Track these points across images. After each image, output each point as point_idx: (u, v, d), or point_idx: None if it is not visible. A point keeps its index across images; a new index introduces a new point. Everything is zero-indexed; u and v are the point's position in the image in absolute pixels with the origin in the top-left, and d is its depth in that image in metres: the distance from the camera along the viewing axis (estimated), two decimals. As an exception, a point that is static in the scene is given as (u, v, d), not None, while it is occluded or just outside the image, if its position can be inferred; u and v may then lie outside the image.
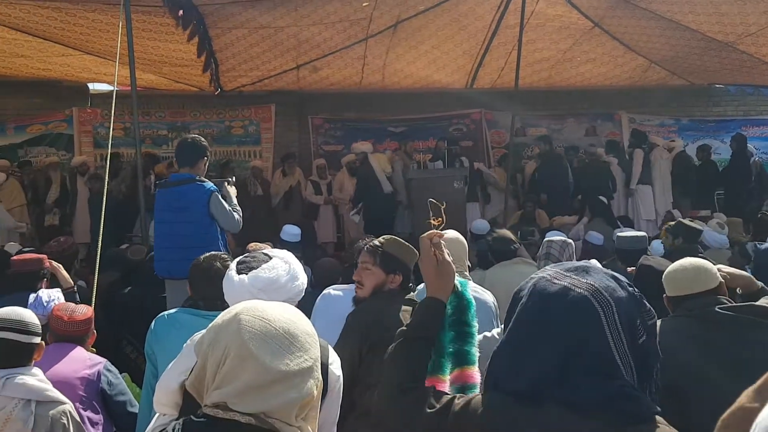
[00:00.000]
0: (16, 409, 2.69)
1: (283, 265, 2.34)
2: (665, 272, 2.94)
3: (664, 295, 2.93)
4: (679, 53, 10.30)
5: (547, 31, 9.66)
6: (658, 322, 2.76)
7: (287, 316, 1.47)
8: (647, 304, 1.47)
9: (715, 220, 8.31)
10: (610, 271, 1.51)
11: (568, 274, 1.47)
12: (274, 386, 1.38)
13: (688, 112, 13.39)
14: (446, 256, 1.83)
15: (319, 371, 1.48)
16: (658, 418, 1.41)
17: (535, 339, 1.44)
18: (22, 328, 2.84)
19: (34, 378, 2.80)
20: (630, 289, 1.46)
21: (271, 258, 2.37)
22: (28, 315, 2.92)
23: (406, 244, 3.21)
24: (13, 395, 2.71)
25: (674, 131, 13.12)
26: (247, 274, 2.31)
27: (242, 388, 1.38)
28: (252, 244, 4.96)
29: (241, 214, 4.97)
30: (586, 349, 1.39)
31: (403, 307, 3.05)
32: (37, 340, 2.90)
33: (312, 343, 1.46)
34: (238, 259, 2.44)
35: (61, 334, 3.52)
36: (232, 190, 5.15)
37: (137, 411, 3.36)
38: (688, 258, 2.99)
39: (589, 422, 1.36)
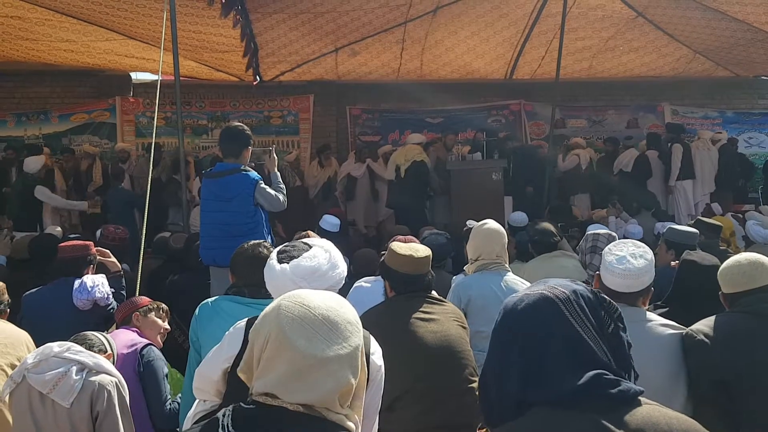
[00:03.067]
0: (71, 371, 2.84)
1: (324, 253, 2.35)
2: (721, 269, 2.89)
3: (720, 292, 2.88)
4: (724, 44, 10.09)
5: (589, 20, 9.53)
6: (713, 319, 2.73)
7: (329, 303, 1.47)
8: (607, 298, 1.53)
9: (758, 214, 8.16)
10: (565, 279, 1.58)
11: (526, 290, 1.56)
12: (311, 373, 1.38)
13: (733, 105, 13.12)
14: None
15: (360, 360, 1.47)
16: (642, 398, 1.43)
17: (507, 350, 1.50)
18: (103, 334, 3.29)
19: (93, 356, 2.98)
20: (589, 288, 1.53)
21: (311, 247, 2.38)
22: (110, 337, 3.36)
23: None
24: (72, 358, 2.88)
25: (718, 124, 12.84)
26: (288, 263, 2.32)
27: (281, 376, 1.39)
28: (306, 233, 5.00)
29: (284, 192, 5.04)
30: (554, 339, 1.44)
31: (422, 309, 3.10)
32: (108, 348, 3.21)
33: (353, 332, 1.46)
34: (278, 248, 2.44)
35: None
36: (274, 161, 5.20)
37: (165, 397, 3.51)
38: (745, 254, 2.92)
39: (574, 414, 1.38)
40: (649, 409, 1.39)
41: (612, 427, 1.35)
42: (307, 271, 2.29)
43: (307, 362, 1.38)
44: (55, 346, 2.90)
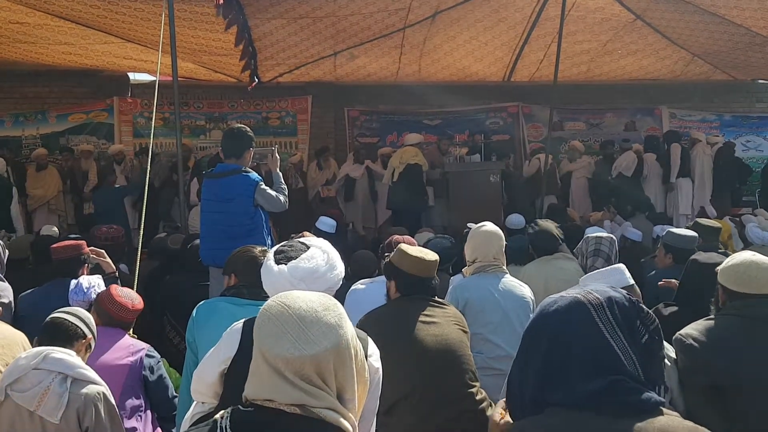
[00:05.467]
0: (53, 384, 2.74)
1: (321, 254, 2.30)
2: (737, 263, 2.75)
3: (722, 286, 2.77)
4: (722, 47, 10.09)
5: (587, 24, 9.52)
6: (703, 322, 2.70)
7: (311, 305, 1.43)
8: (645, 309, 1.51)
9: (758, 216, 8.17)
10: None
11: (564, 292, 1.55)
12: (271, 373, 1.37)
13: (731, 108, 13.13)
14: None
15: (333, 366, 1.41)
16: (663, 409, 1.41)
17: (533, 349, 1.50)
18: (78, 315, 3.07)
19: (70, 356, 2.87)
20: (627, 296, 1.51)
21: (308, 247, 2.33)
22: (87, 315, 3.17)
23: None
24: (51, 368, 2.77)
25: (716, 127, 12.87)
26: (285, 264, 2.27)
27: (251, 374, 1.40)
28: (304, 233, 4.99)
29: (286, 193, 5.03)
30: (580, 344, 1.43)
31: (424, 312, 3.10)
32: (87, 332, 3.04)
33: (328, 335, 1.40)
34: (275, 248, 2.39)
35: (118, 319, 3.62)
36: (276, 161, 5.20)
37: (177, 396, 3.40)
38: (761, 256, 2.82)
39: (589, 416, 1.38)
40: (666, 419, 1.38)
41: None
42: (305, 272, 2.24)
43: (273, 362, 1.37)
44: (24, 358, 2.77)
